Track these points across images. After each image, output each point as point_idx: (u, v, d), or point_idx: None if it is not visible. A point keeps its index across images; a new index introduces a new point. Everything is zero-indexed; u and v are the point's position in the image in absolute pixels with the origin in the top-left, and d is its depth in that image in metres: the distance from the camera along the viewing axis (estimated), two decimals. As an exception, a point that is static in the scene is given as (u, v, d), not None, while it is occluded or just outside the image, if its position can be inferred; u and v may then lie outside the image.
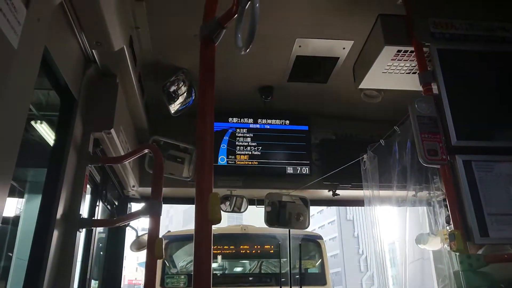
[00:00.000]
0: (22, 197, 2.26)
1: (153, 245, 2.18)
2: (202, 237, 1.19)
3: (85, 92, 2.29)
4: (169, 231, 6.63)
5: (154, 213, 2.28)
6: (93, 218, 2.79)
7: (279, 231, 5.27)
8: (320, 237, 6.58)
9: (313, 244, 6.39)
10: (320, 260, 6.31)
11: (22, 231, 2.23)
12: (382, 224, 3.56)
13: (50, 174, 2.01)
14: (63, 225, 2.02)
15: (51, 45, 1.72)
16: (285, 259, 4.35)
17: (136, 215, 2.39)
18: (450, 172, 1.97)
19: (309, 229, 4.39)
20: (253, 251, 6.31)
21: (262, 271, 6.35)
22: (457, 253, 1.80)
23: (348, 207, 33.44)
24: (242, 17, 1.30)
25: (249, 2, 1.22)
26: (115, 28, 2.08)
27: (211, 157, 1.30)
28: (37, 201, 2.39)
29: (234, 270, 6.82)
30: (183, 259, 6.26)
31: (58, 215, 1.95)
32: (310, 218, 3.77)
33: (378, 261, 3.51)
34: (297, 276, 5.05)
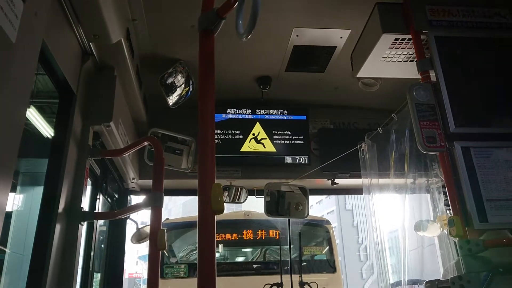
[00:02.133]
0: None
1: (155, 236, 2.20)
2: (206, 228, 1.20)
3: (83, 86, 2.28)
4: (167, 219, 6.46)
5: (156, 204, 2.29)
6: (94, 211, 2.80)
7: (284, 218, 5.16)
8: (328, 222, 6.39)
9: (320, 229, 6.21)
10: (328, 246, 6.11)
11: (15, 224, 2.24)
12: (381, 212, 3.58)
13: (51, 168, 2.02)
14: (65, 219, 2.03)
15: (49, 38, 1.72)
16: (291, 246, 4.32)
17: (138, 207, 2.40)
18: (448, 159, 1.98)
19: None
20: (257, 237, 6.13)
21: (267, 259, 6.17)
22: (457, 239, 1.82)
23: (347, 197, 33.54)
24: (243, 5, 1.30)
25: None
26: (112, 20, 2.07)
27: (212, 148, 1.31)
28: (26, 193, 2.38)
29: (237, 258, 6.67)
30: (183, 248, 6.14)
31: (60, 209, 1.97)
32: (310, 208, 3.79)
33: (377, 250, 3.53)
34: (304, 264, 4.96)
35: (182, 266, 5.66)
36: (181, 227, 6.13)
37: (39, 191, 2.09)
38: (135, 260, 27.34)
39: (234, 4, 1.29)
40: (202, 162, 1.29)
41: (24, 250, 2.22)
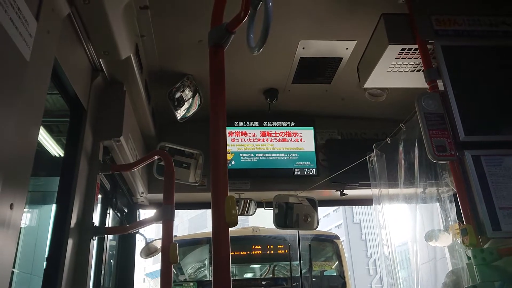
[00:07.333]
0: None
1: (167, 250, 2.20)
2: (220, 240, 1.20)
3: (94, 101, 2.31)
4: (175, 236, 6.43)
5: (167, 218, 2.29)
6: (105, 226, 2.81)
7: (293, 232, 5.11)
8: (336, 237, 6.33)
9: (329, 244, 6.15)
10: (338, 261, 6.04)
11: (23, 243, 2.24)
12: (391, 224, 3.54)
13: (63, 183, 2.03)
14: (77, 234, 2.04)
15: (60, 55, 1.74)
16: (301, 261, 4.26)
17: (149, 221, 2.40)
18: (459, 168, 1.98)
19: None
20: (266, 254, 6.06)
21: (276, 275, 6.08)
22: (470, 248, 1.81)
23: (354, 210, 33.34)
24: (254, 18, 1.32)
25: (261, 3, 1.23)
26: (122, 37, 2.10)
27: (225, 161, 1.31)
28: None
29: (247, 274, 6.58)
30: (192, 265, 6.09)
31: (72, 224, 1.97)
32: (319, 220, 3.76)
33: (387, 264, 3.49)
34: (314, 279, 4.90)
35: (191, 284, 5.61)
36: (190, 244, 6.05)
37: (46, 209, 2.09)
38: (142, 277, 27.01)
39: (244, 19, 1.31)
40: (215, 176, 1.29)
41: (32, 270, 2.23)
